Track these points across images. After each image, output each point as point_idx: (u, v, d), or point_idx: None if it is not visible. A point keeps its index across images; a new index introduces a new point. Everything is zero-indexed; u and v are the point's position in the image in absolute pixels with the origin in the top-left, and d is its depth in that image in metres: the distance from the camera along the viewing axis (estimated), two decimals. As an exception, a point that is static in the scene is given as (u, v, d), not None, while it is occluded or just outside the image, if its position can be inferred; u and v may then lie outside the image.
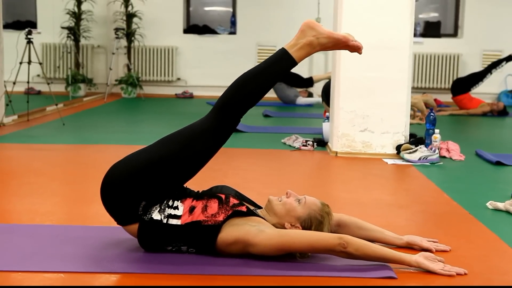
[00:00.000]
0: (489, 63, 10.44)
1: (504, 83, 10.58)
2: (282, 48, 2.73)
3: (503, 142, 6.37)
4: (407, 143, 5.24)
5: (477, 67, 10.52)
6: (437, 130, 5.19)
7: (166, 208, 2.62)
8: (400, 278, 2.45)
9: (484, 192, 3.99)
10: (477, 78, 8.79)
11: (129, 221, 2.63)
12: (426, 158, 5.02)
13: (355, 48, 2.73)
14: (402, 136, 5.31)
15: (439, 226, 3.30)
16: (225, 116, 2.68)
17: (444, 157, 5.23)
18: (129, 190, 2.61)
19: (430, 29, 10.86)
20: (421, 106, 7.62)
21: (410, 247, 2.82)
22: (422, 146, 5.13)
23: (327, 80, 7.70)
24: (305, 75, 10.13)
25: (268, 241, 2.52)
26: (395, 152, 5.27)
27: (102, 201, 2.68)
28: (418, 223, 3.41)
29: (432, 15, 11.14)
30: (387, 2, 5.24)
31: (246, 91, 2.70)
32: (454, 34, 10.83)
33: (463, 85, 8.78)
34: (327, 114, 5.96)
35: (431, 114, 5.33)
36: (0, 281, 2.39)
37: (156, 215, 2.60)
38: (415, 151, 5.08)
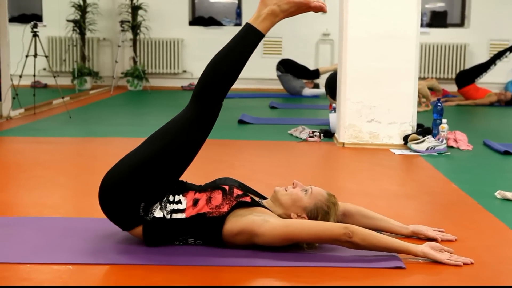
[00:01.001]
0: (496, 52, 10.46)
1: (511, 73, 10.53)
2: (246, 23, 2.72)
3: (511, 132, 6.35)
4: (414, 133, 5.22)
5: (484, 57, 10.47)
6: (444, 120, 5.18)
7: (167, 204, 2.61)
8: (408, 269, 2.44)
9: (492, 182, 3.99)
10: (481, 69, 8.76)
11: (132, 225, 2.62)
12: (434, 148, 5.01)
13: (318, 8, 2.67)
14: (409, 126, 5.30)
15: (447, 216, 3.29)
16: (204, 103, 2.67)
17: (452, 147, 5.22)
18: (126, 194, 2.60)
19: (436, 19, 10.82)
20: (426, 92, 7.64)
21: (416, 237, 2.81)
22: (430, 136, 5.12)
23: (331, 72, 7.68)
24: (311, 67, 10.11)
25: (273, 231, 2.51)
26: (403, 142, 5.26)
27: (102, 210, 2.67)
28: (426, 213, 3.41)
29: (439, 5, 11.09)
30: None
31: (220, 74, 2.68)
32: (461, 24, 10.78)
33: (468, 76, 8.74)
34: (333, 105, 5.95)
35: (439, 104, 5.31)
36: (10, 273, 2.40)
37: (158, 213, 2.59)
38: (423, 141, 5.07)
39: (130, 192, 2.59)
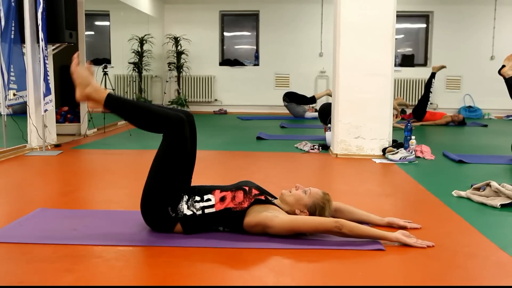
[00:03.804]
0: (451, 85, 10.41)
1: (463, 100, 10.47)
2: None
3: (463, 145, 6.29)
4: (390, 146, 5.19)
5: (443, 88, 10.44)
6: (413, 137, 5.14)
7: (195, 203, 2.60)
8: (386, 250, 2.42)
9: (450, 184, 3.95)
10: (425, 101, 8.65)
11: (172, 226, 2.61)
12: (405, 158, 4.97)
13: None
14: (386, 141, 5.27)
15: (416, 210, 3.26)
16: (165, 132, 2.60)
17: (419, 157, 5.18)
18: (153, 207, 2.60)
19: (406, 60, 10.78)
20: (396, 106, 7.94)
21: (390, 226, 2.80)
22: (402, 149, 5.08)
23: (323, 104, 7.65)
24: (310, 95, 10.11)
25: (281, 224, 2.52)
26: (382, 153, 5.23)
27: (148, 225, 2.66)
28: (399, 208, 3.38)
29: (407, 49, 11.04)
30: (374, 40, 5.21)
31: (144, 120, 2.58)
32: (425, 64, 10.73)
33: (419, 110, 8.67)
34: (328, 126, 5.92)
35: (408, 124, 5.28)
36: (86, 252, 2.40)
37: (187, 211, 2.59)
38: (397, 152, 5.04)
39: (155, 204, 2.59)
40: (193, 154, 2.80)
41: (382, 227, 2.76)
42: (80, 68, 2.56)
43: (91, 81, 2.56)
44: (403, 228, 2.75)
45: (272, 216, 2.53)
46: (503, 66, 5.08)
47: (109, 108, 2.55)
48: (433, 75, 8.62)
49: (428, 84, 8.63)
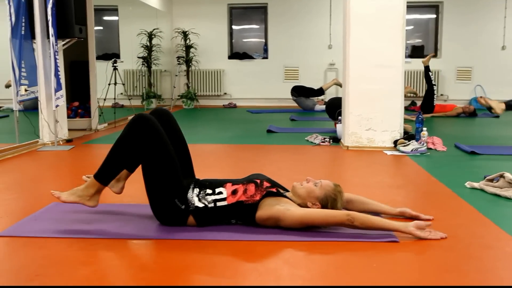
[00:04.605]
0: (461, 76, 10.33)
1: (473, 91, 10.39)
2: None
3: (475, 136, 6.25)
4: (401, 138, 5.17)
5: (453, 79, 10.38)
6: (424, 128, 5.12)
7: (206, 196, 2.61)
8: (400, 243, 2.42)
9: (462, 175, 3.93)
10: (430, 94, 8.57)
11: (184, 219, 2.61)
12: (417, 150, 4.95)
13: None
14: (397, 133, 5.25)
15: (429, 201, 3.25)
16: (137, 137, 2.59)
17: (430, 148, 5.16)
18: (160, 202, 2.60)
19: (416, 51, 10.71)
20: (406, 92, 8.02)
21: (402, 216, 2.80)
22: (413, 140, 5.06)
23: (329, 99, 7.60)
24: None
25: (292, 218, 2.52)
26: (393, 145, 5.21)
27: (162, 222, 2.67)
28: (412, 199, 3.37)
29: (417, 41, 10.96)
30: (384, 31, 5.17)
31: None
32: (435, 55, 10.65)
33: (427, 105, 8.60)
34: (339, 118, 5.90)
35: (420, 116, 5.25)
36: (100, 245, 2.42)
37: (198, 203, 2.60)
38: (408, 144, 5.02)
39: (160, 198, 2.59)
40: (181, 146, 2.83)
41: (394, 218, 2.76)
42: (64, 197, 2.66)
43: (78, 193, 2.67)
44: (416, 218, 2.74)
45: (284, 209, 2.53)
46: None
47: (102, 173, 2.64)
48: (427, 68, 8.55)
49: (428, 78, 8.57)
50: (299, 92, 9.77)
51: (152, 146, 2.56)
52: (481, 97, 9.09)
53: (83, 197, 2.64)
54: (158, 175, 2.57)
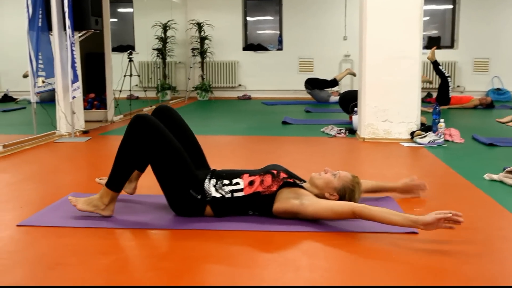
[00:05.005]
0: (478, 67, 10.21)
1: (491, 83, 10.27)
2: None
3: (492, 128, 6.18)
4: (418, 130, 5.14)
5: (470, 71, 10.27)
6: (441, 120, 5.08)
7: (223, 187, 2.61)
8: (419, 233, 2.40)
9: (481, 167, 3.89)
10: (445, 86, 8.47)
11: (202, 209, 2.62)
12: (434, 142, 4.91)
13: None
14: (414, 125, 5.21)
15: (447, 193, 3.23)
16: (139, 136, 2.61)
17: (448, 140, 5.11)
18: (174, 194, 2.61)
19: (432, 43, 10.59)
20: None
21: (407, 190, 3.04)
22: (430, 132, 5.02)
23: (342, 93, 7.51)
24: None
25: (306, 212, 2.51)
26: (410, 137, 5.17)
27: (179, 214, 2.68)
28: (430, 191, 3.34)
29: (434, 32, 10.86)
30: (401, 22, 5.13)
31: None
32: (451, 46, 10.54)
33: (442, 97, 8.50)
34: (355, 110, 5.88)
35: (437, 107, 5.21)
36: (119, 235, 2.44)
37: (215, 194, 2.60)
38: (425, 136, 4.98)
39: (175, 190, 2.60)
40: (189, 138, 2.83)
41: (399, 192, 3.00)
42: (80, 206, 2.68)
43: (93, 203, 2.69)
44: (421, 186, 3.02)
45: (298, 203, 2.53)
46: None
47: (113, 181, 2.66)
48: (435, 63, 8.46)
49: (439, 72, 8.48)
50: (313, 84, 9.73)
51: (155, 143, 2.56)
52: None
53: (98, 207, 2.66)
54: (168, 170, 2.58)
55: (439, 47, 10.27)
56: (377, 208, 2.40)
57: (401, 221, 2.31)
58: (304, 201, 2.53)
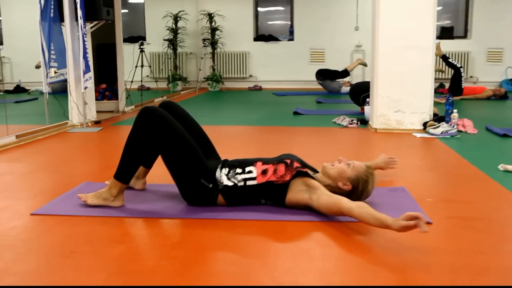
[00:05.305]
0: (492, 57, 10.10)
1: (504, 73, 10.16)
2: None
3: (506, 119, 6.12)
4: (431, 120, 5.10)
5: (483, 61, 10.16)
6: (455, 110, 5.03)
7: (236, 175, 2.60)
8: (434, 223, 2.39)
9: (495, 158, 3.85)
10: (458, 77, 8.40)
11: (214, 198, 2.62)
12: (447, 132, 4.87)
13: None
14: (427, 115, 5.17)
15: (461, 184, 3.20)
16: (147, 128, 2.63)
17: (461, 131, 5.07)
18: (186, 184, 2.61)
19: (445, 33, 10.49)
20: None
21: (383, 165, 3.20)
22: (443, 122, 4.98)
23: (352, 85, 7.44)
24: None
25: (313, 205, 2.50)
26: (422, 128, 5.13)
27: (191, 203, 2.68)
28: (444, 182, 3.32)
29: (447, 22, 10.74)
30: (415, 11, 5.08)
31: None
32: (464, 36, 10.44)
33: (455, 87, 8.43)
34: (367, 100, 5.84)
35: (450, 98, 5.16)
36: (131, 224, 2.45)
37: (227, 182, 2.60)
38: (438, 126, 4.94)
39: (186, 180, 2.60)
40: (196, 130, 2.84)
41: (381, 168, 3.16)
42: (90, 200, 2.69)
43: (103, 196, 2.70)
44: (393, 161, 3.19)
45: (308, 198, 2.52)
46: None
47: (121, 173, 2.67)
48: (444, 57, 8.41)
49: (450, 64, 8.41)
50: (324, 75, 9.68)
51: (164, 134, 2.57)
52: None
53: (107, 199, 2.67)
54: (178, 160, 2.59)
55: (451, 37, 10.18)
56: (364, 210, 2.26)
57: (378, 225, 2.18)
58: (312, 195, 2.52)
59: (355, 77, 10.13)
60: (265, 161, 2.66)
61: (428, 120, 5.12)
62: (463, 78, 8.43)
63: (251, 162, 2.66)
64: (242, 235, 2.29)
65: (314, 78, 9.93)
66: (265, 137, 5.01)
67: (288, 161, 2.64)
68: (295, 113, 6.56)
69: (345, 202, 2.36)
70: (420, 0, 5.06)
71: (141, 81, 7.69)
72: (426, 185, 3.07)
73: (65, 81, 5.64)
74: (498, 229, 2.36)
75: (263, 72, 10.87)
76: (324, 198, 2.47)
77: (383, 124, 5.23)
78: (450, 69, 8.89)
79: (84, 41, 5.45)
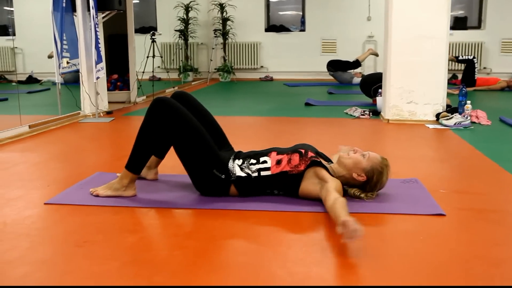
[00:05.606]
0: (506, 48, 9.99)
1: (519, 64, 10.06)
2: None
3: (520, 110, 6.07)
4: (444, 111, 5.06)
5: (497, 53, 10.05)
6: (468, 101, 4.99)
7: (250, 166, 2.60)
8: (447, 215, 2.37)
9: (509, 149, 3.82)
10: (471, 68, 8.34)
11: (226, 189, 2.62)
12: (460, 123, 4.83)
13: None
14: (440, 106, 5.13)
15: (474, 175, 3.17)
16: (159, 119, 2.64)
17: (474, 122, 5.03)
18: (198, 174, 2.61)
19: (458, 23, 10.38)
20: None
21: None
22: (457, 114, 4.94)
23: (363, 77, 7.37)
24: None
25: (321, 196, 2.46)
26: (435, 119, 5.10)
27: (204, 194, 2.68)
28: (457, 173, 3.30)
29: (460, 12, 10.63)
30: (429, 1, 5.03)
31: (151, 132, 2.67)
32: (478, 27, 10.32)
33: (468, 78, 8.37)
34: (379, 90, 5.81)
35: (463, 89, 5.12)
36: (144, 214, 2.46)
37: (240, 173, 2.59)
38: (451, 118, 4.90)
39: (198, 170, 2.60)
40: (209, 120, 2.84)
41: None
42: (102, 192, 2.71)
43: (114, 186, 2.71)
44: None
45: (318, 190, 2.51)
46: None
47: (132, 163, 2.67)
48: (456, 59, 8.38)
49: (462, 61, 8.37)
50: (335, 66, 9.63)
51: (176, 124, 2.57)
52: None
53: (119, 190, 2.68)
54: (191, 150, 2.59)
55: (465, 28, 10.09)
56: (336, 204, 2.22)
57: (335, 220, 2.13)
58: (322, 188, 2.50)
59: (367, 68, 10.08)
60: (279, 151, 2.66)
61: (441, 111, 5.09)
62: (476, 69, 8.35)
63: (266, 153, 2.66)
64: (254, 225, 2.29)
65: (326, 69, 9.89)
66: (277, 128, 5.00)
67: (303, 150, 2.63)
68: (307, 104, 6.53)
69: (334, 194, 2.32)
70: (434, -11, 5.01)
71: (153, 71, 7.69)
72: (439, 177, 3.05)
73: (77, 71, 5.66)
74: (511, 221, 2.34)
75: (274, 63, 10.84)
76: (324, 189, 2.45)
77: (396, 115, 5.20)
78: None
79: (96, 31, 5.46)
